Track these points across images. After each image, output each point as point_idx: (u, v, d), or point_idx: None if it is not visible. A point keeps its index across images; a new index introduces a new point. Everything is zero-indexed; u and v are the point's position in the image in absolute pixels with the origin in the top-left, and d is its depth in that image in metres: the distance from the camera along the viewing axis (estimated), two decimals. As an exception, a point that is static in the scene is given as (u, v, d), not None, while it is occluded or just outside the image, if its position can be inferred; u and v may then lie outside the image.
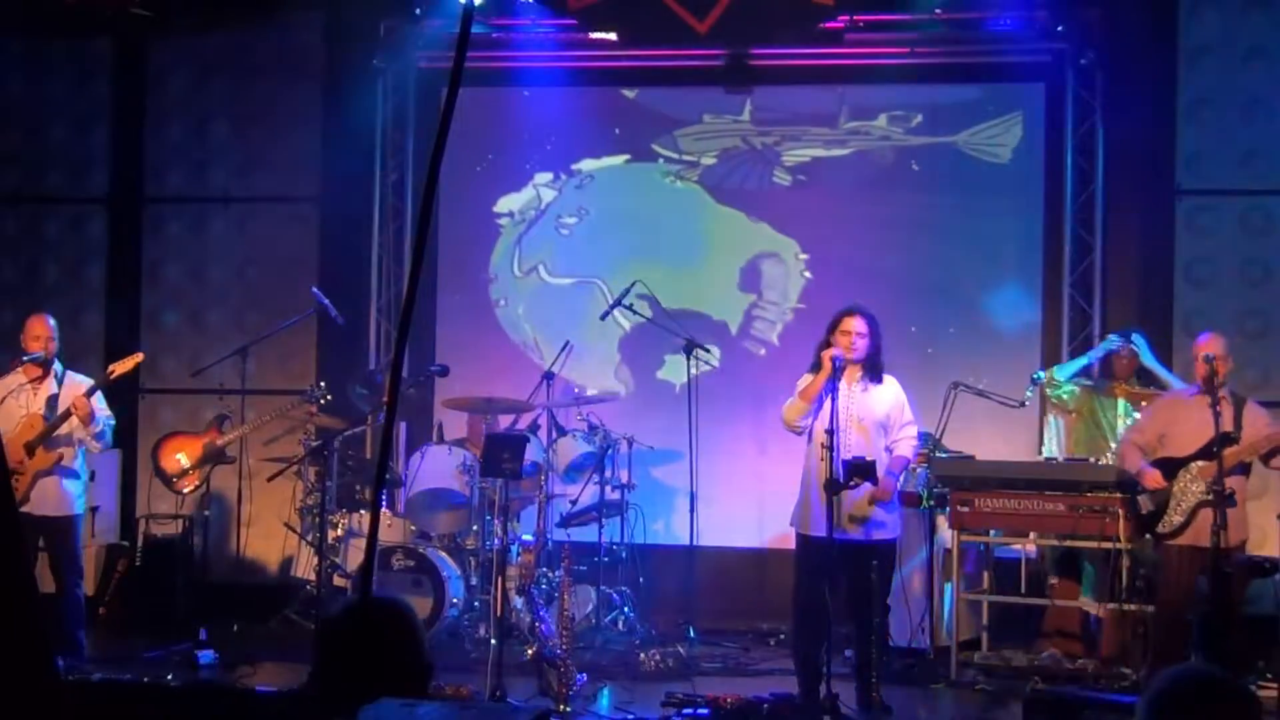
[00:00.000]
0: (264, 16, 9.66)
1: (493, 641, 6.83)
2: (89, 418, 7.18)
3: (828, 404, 6.33)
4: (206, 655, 7.51)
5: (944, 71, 9.33)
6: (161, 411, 9.61)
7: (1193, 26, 8.85)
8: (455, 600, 7.95)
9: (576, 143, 9.75)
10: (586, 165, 9.76)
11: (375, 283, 9.70)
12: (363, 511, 8.41)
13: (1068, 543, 7.55)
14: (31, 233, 9.89)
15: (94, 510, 8.74)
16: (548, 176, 9.78)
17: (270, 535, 9.11)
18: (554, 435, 8.55)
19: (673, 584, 8.66)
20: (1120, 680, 7.11)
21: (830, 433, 6.25)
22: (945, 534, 7.74)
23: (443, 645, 7.76)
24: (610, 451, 8.33)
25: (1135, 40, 8.96)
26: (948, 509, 7.59)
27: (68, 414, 7.19)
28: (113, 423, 7.49)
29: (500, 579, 7.07)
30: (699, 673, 7.47)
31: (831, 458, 6.24)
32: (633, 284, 8.65)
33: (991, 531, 7.75)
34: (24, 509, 7.05)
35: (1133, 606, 7.18)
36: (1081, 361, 8.23)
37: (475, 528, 8.23)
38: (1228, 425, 6.69)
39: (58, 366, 7.41)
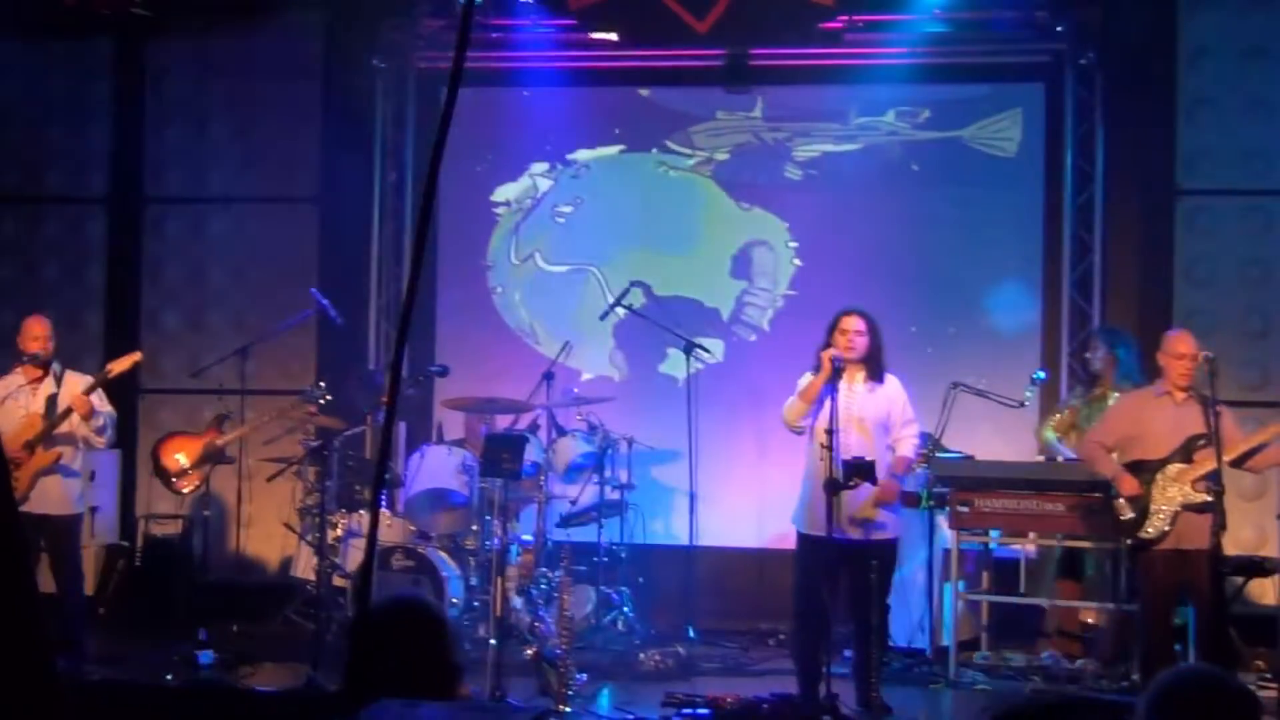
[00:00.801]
0: (264, 17, 9.64)
1: (492, 641, 6.82)
2: (90, 413, 7.20)
3: (828, 404, 6.34)
4: (206, 655, 7.50)
5: (944, 71, 9.32)
6: (161, 411, 9.61)
7: (1193, 26, 8.85)
8: (455, 600, 7.95)
9: (575, 136, 9.77)
10: (582, 155, 9.81)
11: (375, 283, 9.71)
12: (362, 511, 8.40)
13: (1067, 543, 7.55)
14: (31, 233, 9.89)
15: (94, 510, 8.73)
16: (544, 166, 9.83)
17: (270, 535, 9.11)
18: (553, 435, 8.55)
19: (672, 584, 8.67)
20: (1120, 680, 7.11)
21: (830, 433, 6.25)
22: (945, 534, 7.73)
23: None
24: (610, 451, 8.33)
25: (1135, 40, 8.95)
26: (948, 509, 7.59)
27: (68, 412, 7.20)
28: (115, 418, 7.50)
29: (500, 579, 7.07)
30: (699, 673, 7.47)
31: (831, 458, 6.24)
32: (630, 285, 8.68)
33: (991, 531, 7.75)
34: (24, 508, 7.06)
35: (1133, 607, 7.16)
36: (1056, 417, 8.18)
37: (475, 528, 8.23)
38: (1199, 426, 6.61)
39: (56, 366, 7.42)
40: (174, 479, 8.36)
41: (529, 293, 9.81)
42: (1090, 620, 7.85)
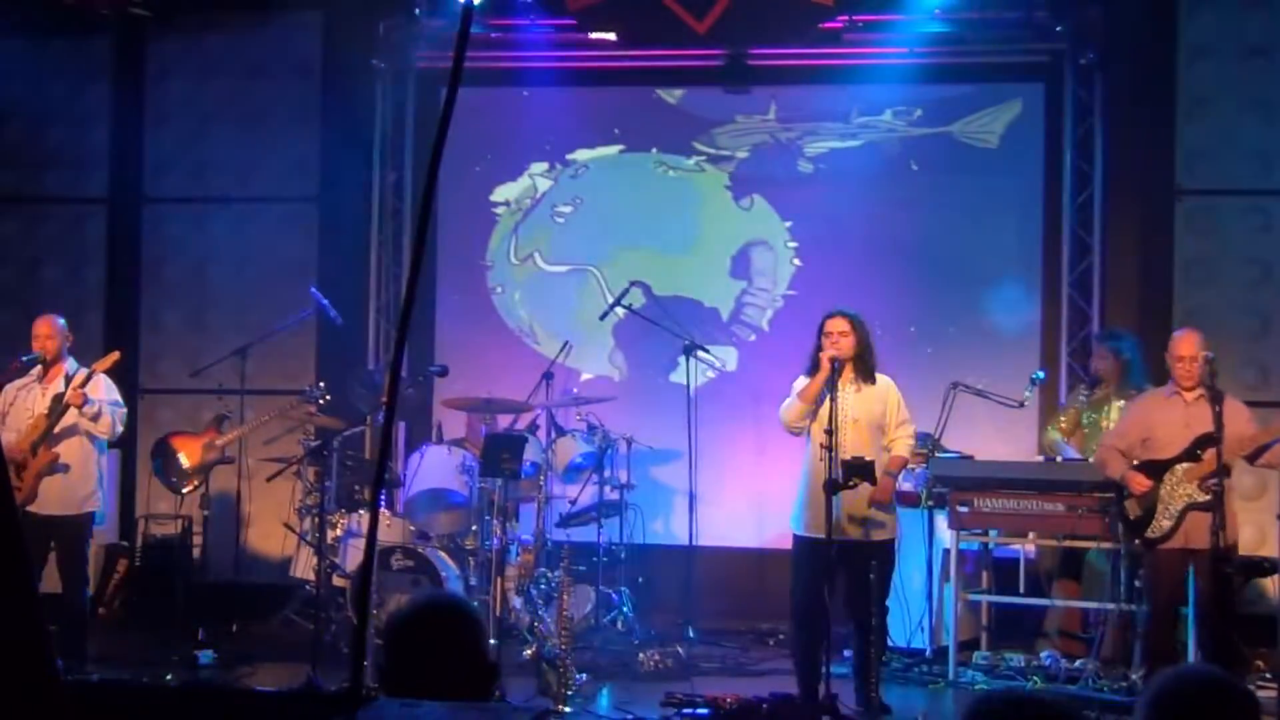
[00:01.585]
0: (264, 17, 9.66)
1: (492, 641, 6.83)
2: (82, 402, 7.17)
3: (827, 405, 6.34)
4: (206, 655, 7.51)
5: (943, 71, 9.32)
6: (161, 411, 9.61)
7: (1193, 26, 8.84)
8: (455, 600, 7.94)
9: (575, 136, 9.77)
10: (581, 155, 9.81)
11: (374, 283, 9.71)
12: (362, 511, 8.40)
13: (1067, 543, 7.55)
14: (31, 233, 9.89)
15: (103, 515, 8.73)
16: (544, 166, 9.83)
17: (270, 535, 9.11)
18: (553, 435, 8.56)
19: (672, 584, 8.67)
20: (1120, 680, 7.11)
21: (829, 433, 6.26)
22: (945, 534, 7.73)
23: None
24: (609, 451, 8.33)
25: (1135, 40, 8.96)
26: (947, 509, 7.59)
27: (66, 408, 7.19)
28: (122, 409, 7.46)
29: (500, 579, 7.07)
30: (698, 673, 7.47)
31: (830, 458, 6.24)
32: (630, 285, 8.69)
33: (991, 531, 7.75)
34: (32, 508, 7.07)
35: (1133, 607, 7.17)
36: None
37: (474, 528, 8.23)
38: (1209, 425, 6.62)
39: (70, 365, 7.40)
40: (174, 479, 8.36)
41: (529, 293, 9.82)
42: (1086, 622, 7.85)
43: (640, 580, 8.56)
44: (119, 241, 9.85)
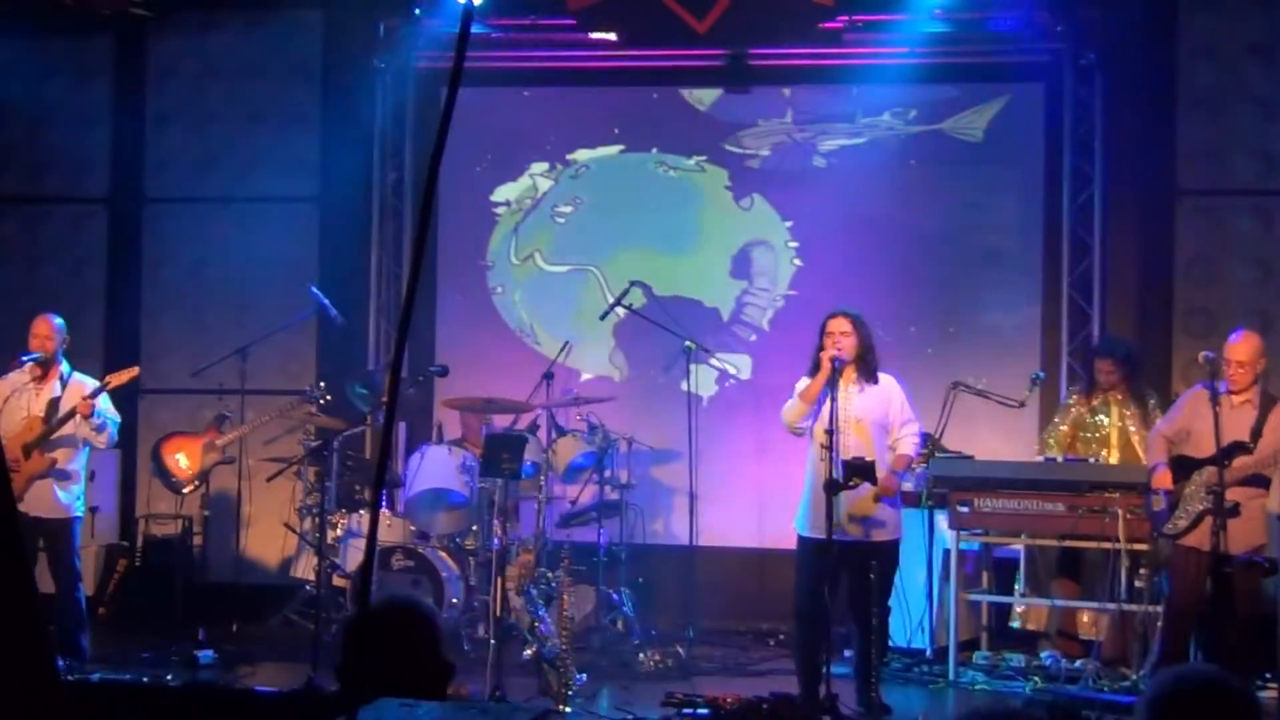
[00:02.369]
0: (264, 17, 9.67)
1: (492, 641, 6.83)
2: (91, 411, 7.19)
3: (827, 405, 6.34)
4: (206, 655, 7.51)
5: (944, 71, 9.31)
6: (161, 411, 9.60)
7: (1193, 26, 8.85)
8: (454, 600, 7.95)
9: (575, 136, 9.77)
10: (582, 155, 9.80)
11: (375, 283, 9.70)
12: (362, 511, 8.41)
13: (1067, 543, 7.55)
14: (31, 233, 9.89)
15: (94, 510, 8.73)
16: (544, 166, 9.83)
17: (270, 535, 9.11)
18: (553, 435, 8.55)
19: (672, 584, 8.67)
20: (1120, 680, 7.11)
21: (830, 434, 6.25)
22: (945, 534, 7.73)
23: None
24: (610, 452, 8.33)
25: (1135, 40, 8.96)
26: (948, 509, 7.59)
27: (70, 415, 7.19)
28: (118, 420, 7.50)
29: (500, 579, 7.07)
30: (699, 673, 7.47)
31: (831, 458, 6.24)
32: (630, 285, 8.68)
33: (991, 531, 7.75)
34: (20, 509, 7.06)
35: (1133, 607, 7.17)
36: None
37: (475, 528, 8.23)
38: (1245, 432, 6.59)
39: (64, 368, 7.40)
40: (174, 479, 8.36)
41: (529, 293, 9.81)
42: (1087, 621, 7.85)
43: (640, 580, 8.56)
44: (119, 241, 9.85)
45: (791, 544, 6.74)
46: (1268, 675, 7.05)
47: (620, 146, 9.78)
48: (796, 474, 6.73)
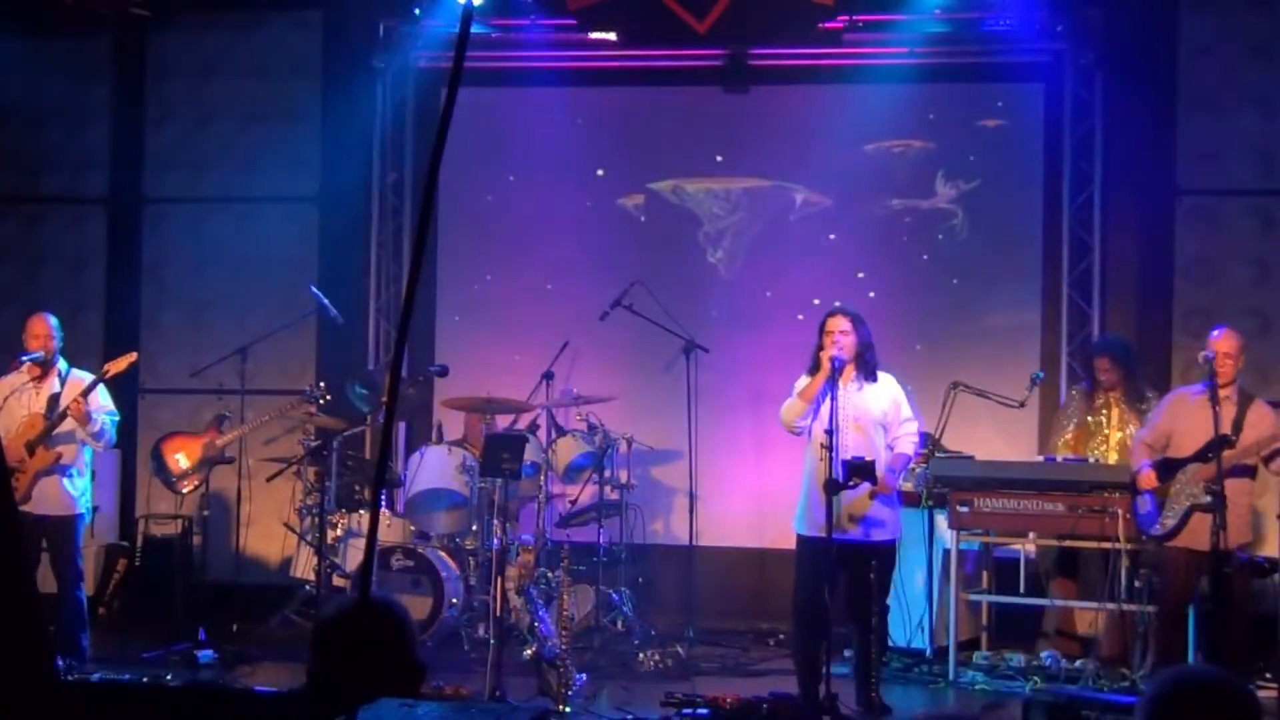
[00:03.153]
0: (263, 17, 9.67)
1: (492, 642, 6.82)
2: (85, 418, 7.19)
3: (827, 404, 6.33)
4: (206, 655, 7.51)
5: (943, 72, 9.31)
6: (161, 411, 9.60)
7: (1193, 26, 8.85)
8: (454, 600, 7.95)
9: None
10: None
11: (374, 283, 9.70)
12: (362, 511, 8.41)
13: (1067, 543, 7.55)
14: (31, 233, 9.89)
15: (94, 510, 8.73)
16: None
17: (270, 535, 9.11)
18: (553, 435, 8.55)
19: (672, 584, 8.67)
20: (1120, 680, 7.11)
21: (829, 433, 6.25)
22: (945, 534, 7.73)
23: (442, 645, 7.77)
24: (609, 451, 8.33)
25: (1135, 40, 8.96)
26: (947, 509, 7.59)
27: (65, 414, 7.20)
28: (116, 418, 7.48)
29: (499, 579, 7.06)
30: (698, 673, 7.47)
31: (830, 458, 6.24)
32: (631, 284, 8.67)
33: (991, 531, 7.75)
34: (25, 508, 7.07)
35: (1133, 607, 7.17)
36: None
37: (475, 528, 8.23)
38: (1226, 427, 6.63)
39: (62, 366, 7.41)
40: (174, 479, 8.36)
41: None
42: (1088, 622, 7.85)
43: (640, 580, 8.56)
44: (119, 241, 9.85)
45: (791, 544, 6.73)
46: (1268, 675, 7.07)
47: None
48: (796, 474, 6.73)
